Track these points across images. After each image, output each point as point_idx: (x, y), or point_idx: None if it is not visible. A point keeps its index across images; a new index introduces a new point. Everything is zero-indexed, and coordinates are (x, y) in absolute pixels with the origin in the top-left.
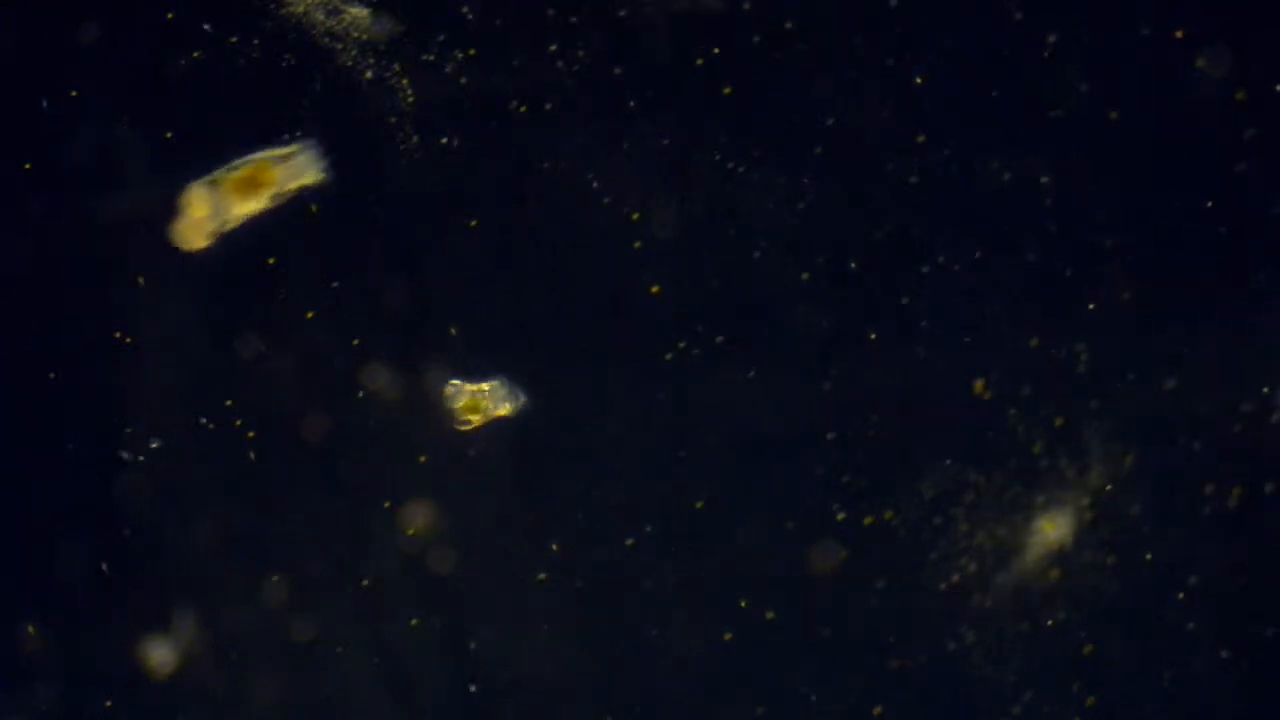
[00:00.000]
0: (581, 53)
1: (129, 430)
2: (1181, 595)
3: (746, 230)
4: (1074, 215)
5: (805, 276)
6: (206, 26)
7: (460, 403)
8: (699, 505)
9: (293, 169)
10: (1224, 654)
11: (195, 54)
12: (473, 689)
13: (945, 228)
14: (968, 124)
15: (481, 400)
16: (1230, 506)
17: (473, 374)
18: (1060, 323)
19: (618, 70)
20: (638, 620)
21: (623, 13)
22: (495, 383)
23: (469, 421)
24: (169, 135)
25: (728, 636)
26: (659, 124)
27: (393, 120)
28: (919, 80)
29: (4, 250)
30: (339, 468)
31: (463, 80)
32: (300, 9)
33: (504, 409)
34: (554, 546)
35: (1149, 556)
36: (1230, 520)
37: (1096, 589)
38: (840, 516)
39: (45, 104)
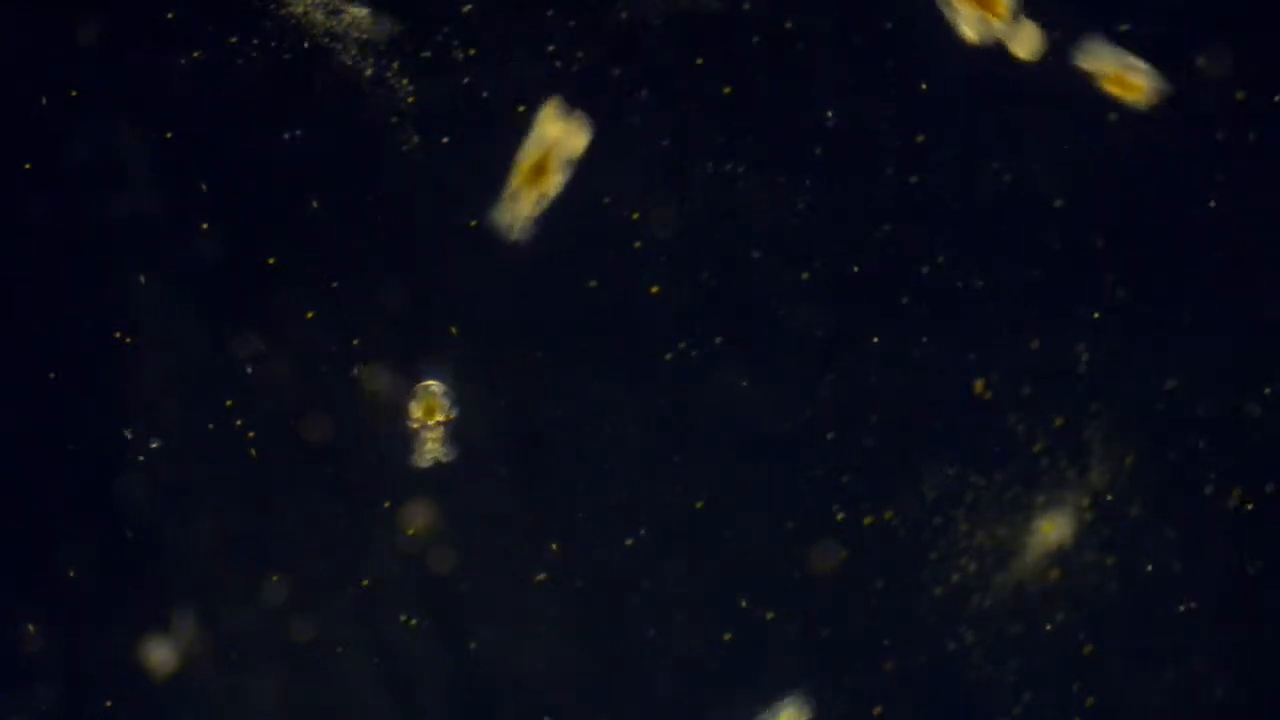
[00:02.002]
0: (581, 53)
1: (129, 430)
2: (1181, 595)
3: (746, 230)
4: (1074, 215)
5: (805, 276)
6: (207, 26)
7: (418, 405)
8: (699, 505)
9: None
10: (1224, 654)
11: (195, 54)
12: (473, 689)
13: (945, 228)
14: (968, 124)
15: (430, 400)
16: (1230, 506)
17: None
18: (1060, 323)
19: (617, 70)
20: (638, 620)
21: (623, 13)
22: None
23: (431, 423)
24: (169, 135)
25: (728, 636)
26: (659, 124)
27: (393, 120)
28: (922, 84)
29: (4, 250)
30: (338, 468)
31: (463, 80)
32: (300, 9)
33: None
34: (554, 546)
35: (1149, 556)
36: (1230, 520)
37: (1096, 589)
38: (840, 516)
39: (45, 104)
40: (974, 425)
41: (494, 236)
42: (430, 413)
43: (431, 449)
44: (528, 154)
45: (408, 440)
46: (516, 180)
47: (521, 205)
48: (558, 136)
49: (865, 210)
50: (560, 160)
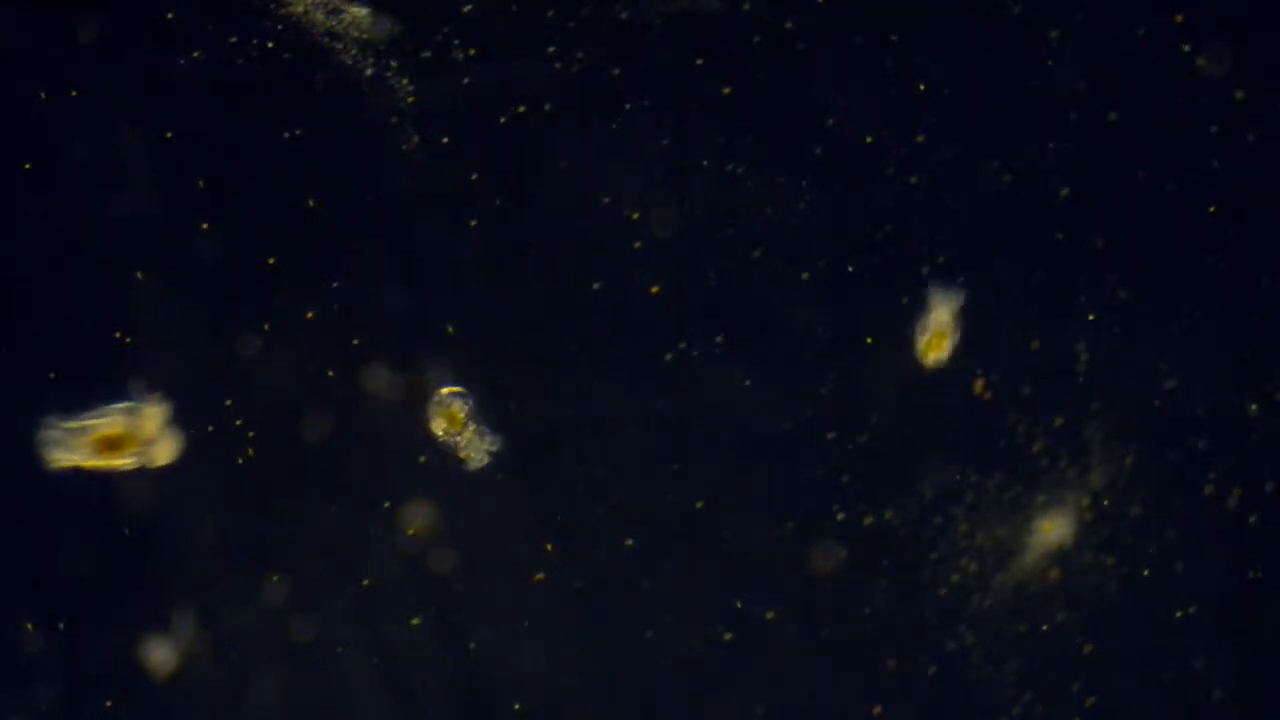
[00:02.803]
0: (581, 53)
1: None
2: (1181, 595)
3: (746, 230)
4: (1074, 215)
5: (805, 276)
6: (207, 26)
7: (439, 420)
8: (699, 505)
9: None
10: (1224, 654)
11: (195, 54)
12: (473, 689)
13: (945, 228)
14: (968, 124)
15: (452, 410)
16: (1230, 506)
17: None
18: (1060, 323)
19: (617, 70)
20: (637, 620)
21: (623, 13)
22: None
23: (457, 430)
24: (169, 135)
25: (728, 636)
26: (659, 124)
27: (393, 120)
28: (921, 85)
29: (4, 250)
30: (339, 468)
31: (463, 80)
32: (300, 9)
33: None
34: (550, 547)
35: (1148, 557)
36: (1230, 520)
37: (1096, 589)
38: (840, 516)
39: (45, 103)
40: (974, 425)
41: (494, 236)
42: (455, 420)
43: (477, 447)
44: (110, 425)
45: (409, 440)
46: (89, 438)
47: (85, 460)
48: (150, 435)
49: (865, 210)
50: (136, 453)
